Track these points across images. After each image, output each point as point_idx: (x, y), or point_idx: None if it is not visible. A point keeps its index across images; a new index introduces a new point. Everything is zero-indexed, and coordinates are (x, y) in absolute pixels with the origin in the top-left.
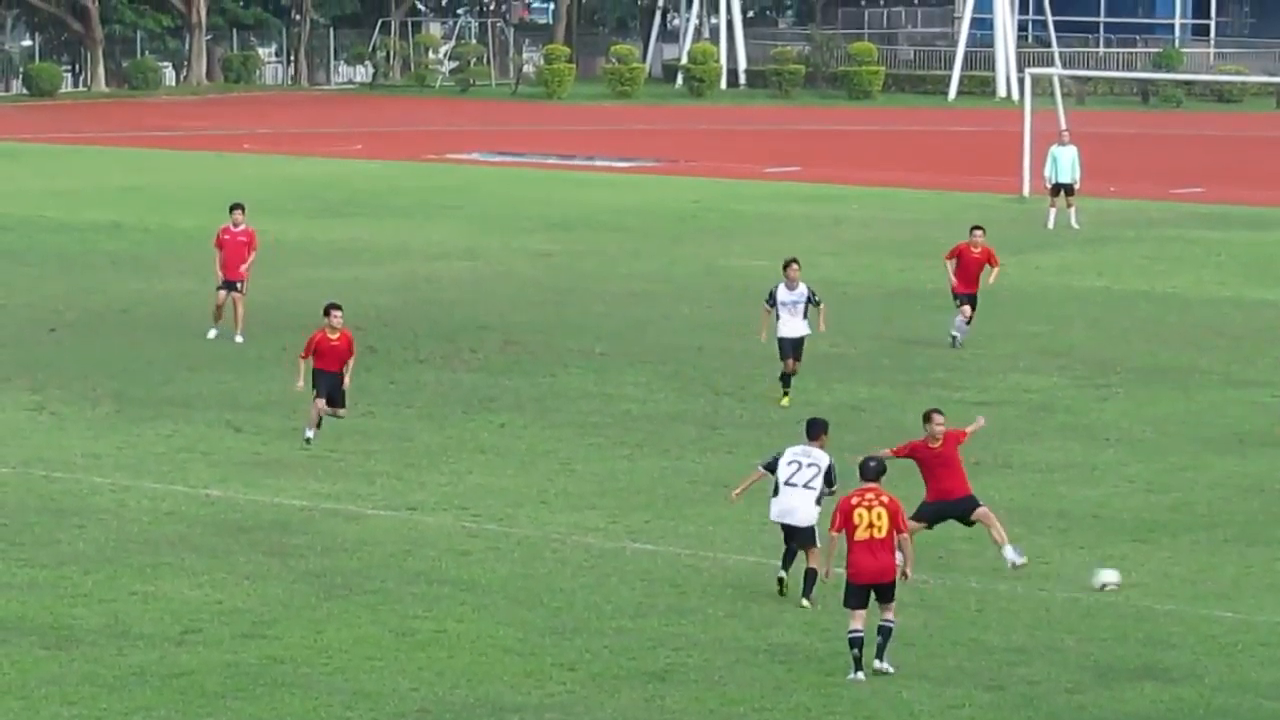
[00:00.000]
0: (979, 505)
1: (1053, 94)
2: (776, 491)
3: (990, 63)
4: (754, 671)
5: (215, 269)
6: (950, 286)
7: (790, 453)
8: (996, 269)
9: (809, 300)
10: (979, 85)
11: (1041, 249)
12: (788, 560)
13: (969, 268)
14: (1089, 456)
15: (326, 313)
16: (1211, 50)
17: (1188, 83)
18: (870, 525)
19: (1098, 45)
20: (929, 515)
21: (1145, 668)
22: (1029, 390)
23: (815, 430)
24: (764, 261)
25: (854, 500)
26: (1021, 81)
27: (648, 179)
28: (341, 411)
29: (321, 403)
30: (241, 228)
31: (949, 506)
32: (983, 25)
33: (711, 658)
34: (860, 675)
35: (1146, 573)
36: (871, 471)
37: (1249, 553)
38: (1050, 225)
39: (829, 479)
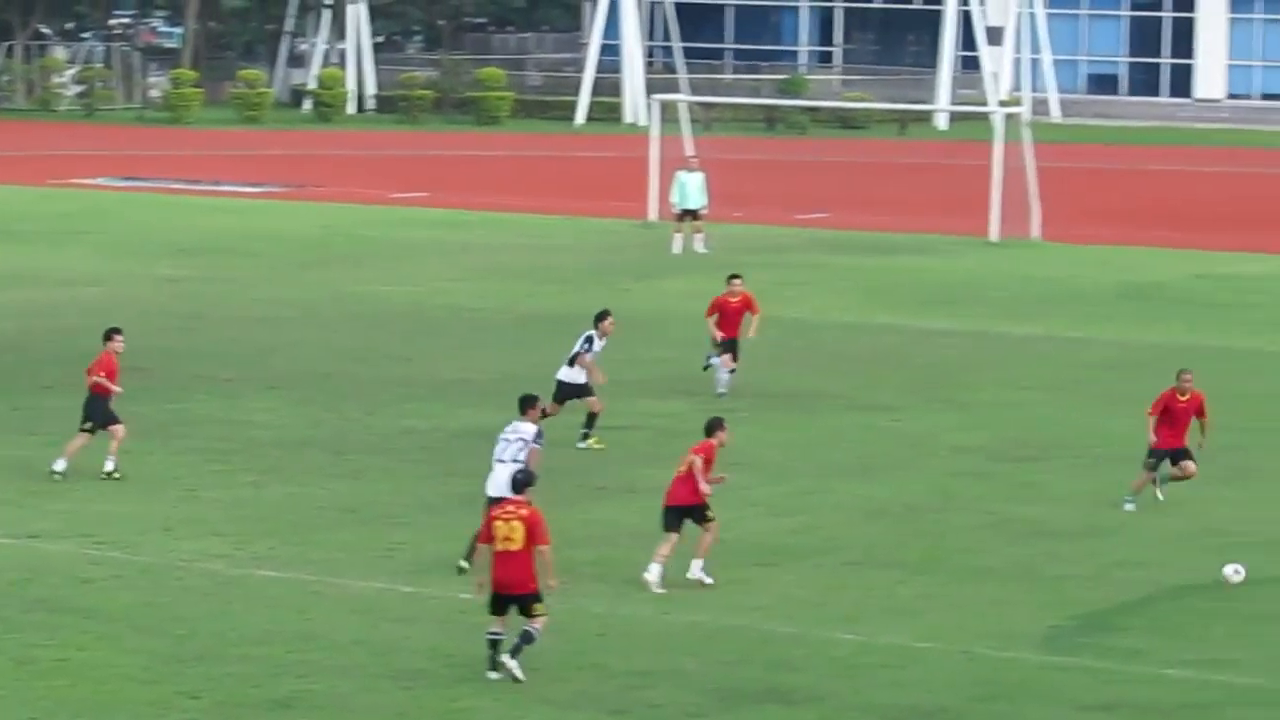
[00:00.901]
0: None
1: (679, 120)
2: (493, 467)
3: (618, 89)
4: (379, 698)
5: None
6: (711, 338)
7: (504, 431)
8: (757, 318)
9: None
10: (607, 111)
11: (668, 274)
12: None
13: (730, 317)
14: None
15: (109, 337)
16: (836, 77)
17: (813, 109)
18: (506, 538)
19: (725, 72)
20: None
21: (768, 690)
22: (656, 415)
23: (525, 406)
24: (391, 287)
25: (495, 512)
26: (649, 107)
27: (276, 204)
28: (120, 430)
29: (86, 437)
30: None
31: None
32: (611, 51)
33: (336, 684)
34: (495, 675)
35: (770, 596)
36: (516, 484)
37: (871, 575)
38: (676, 250)
39: (537, 442)
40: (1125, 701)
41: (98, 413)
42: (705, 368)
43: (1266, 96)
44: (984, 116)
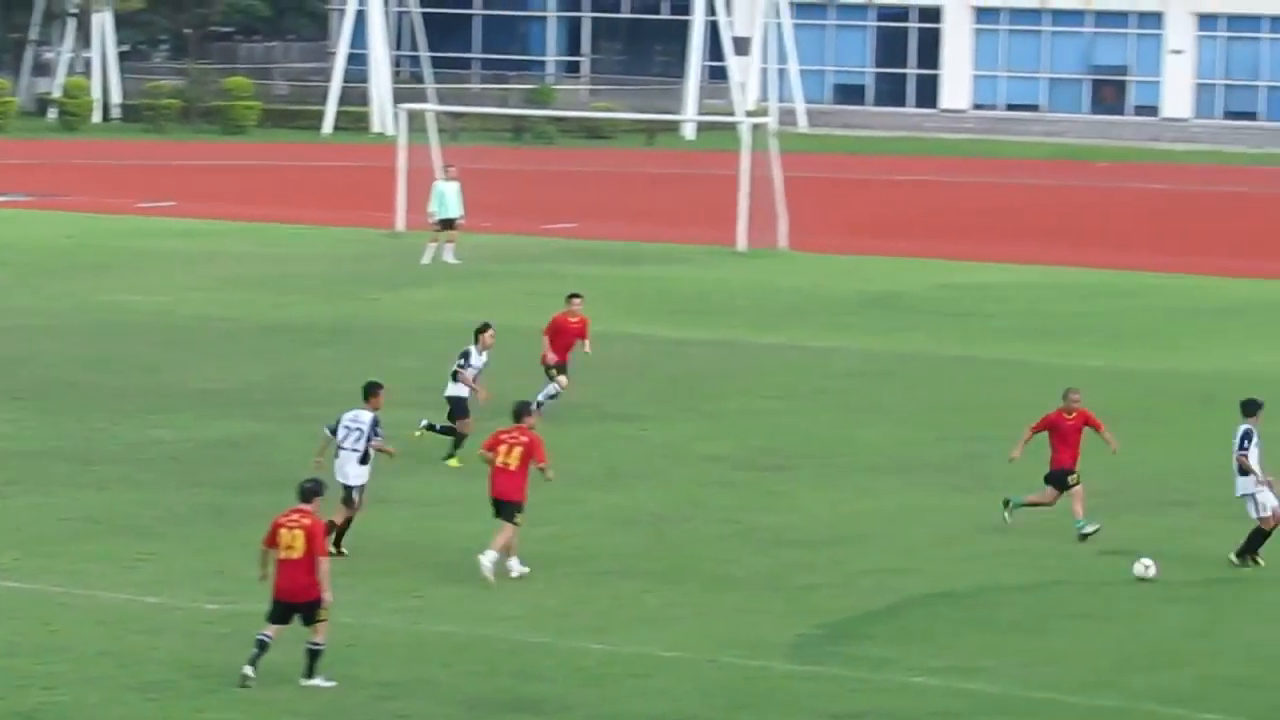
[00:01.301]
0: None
1: (427, 129)
2: (337, 454)
3: (366, 98)
4: (125, 709)
5: None
6: (542, 358)
7: (345, 418)
8: (587, 341)
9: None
10: (354, 121)
11: (416, 285)
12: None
13: (566, 338)
14: (465, 491)
15: None
16: (584, 87)
17: (560, 119)
18: (289, 546)
19: (472, 81)
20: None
21: (516, 700)
22: (403, 426)
23: (367, 393)
24: (138, 296)
25: (282, 519)
26: (396, 117)
27: (21, 214)
28: None
29: None
30: None
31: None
32: (358, 60)
33: (83, 695)
34: (249, 670)
35: (518, 606)
36: (304, 493)
37: (620, 585)
38: (426, 261)
39: (373, 432)
40: (873, 709)
41: None
42: (539, 404)
43: (1010, 107)
44: (731, 126)
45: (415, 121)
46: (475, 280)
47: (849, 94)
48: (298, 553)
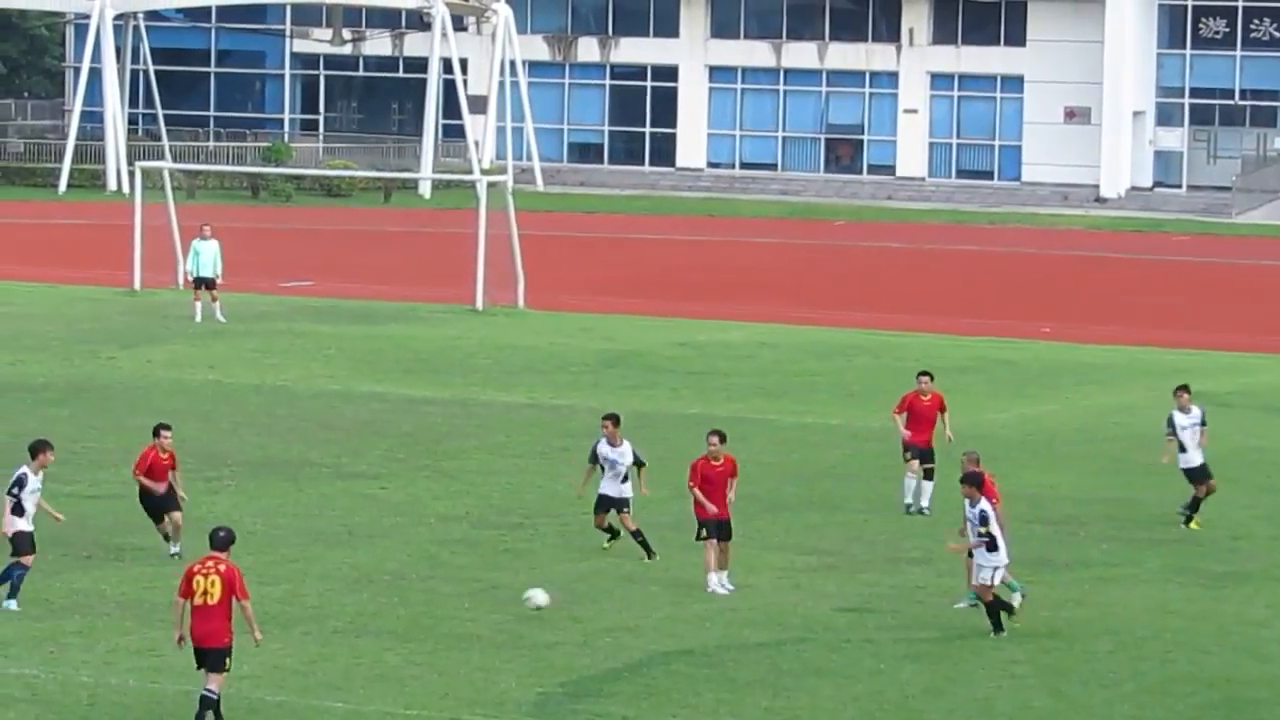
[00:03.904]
0: None
1: (164, 187)
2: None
3: (101, 155)
4: None
5: None
6: (902, 440)
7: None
8: (946, 415)
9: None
10: (90, 178)
11: (152, 342)
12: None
13: (921, 415)
14: (202, 550)
15: (156, 433)
16: (320, 145)
17: (297, 177)
18: (205, 592)
19: (208, 139)
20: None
21: None
22: (131, 482)
23: (608, 420)
24: None
25: (195, 567)
26: (132, 175)
27: None
28: (178, 515)
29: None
30: None
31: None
32: (93, 118)
33: None
34: None
35: (258, 664)
36: (219, 541)
37: (358, 643)
38: (198, 319)
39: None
40: None
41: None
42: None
43: (746, 165)
44: (468, 185)
45: (150, 179)
46: (212, 338)
47: (585, 153)
48: (213, 599)
